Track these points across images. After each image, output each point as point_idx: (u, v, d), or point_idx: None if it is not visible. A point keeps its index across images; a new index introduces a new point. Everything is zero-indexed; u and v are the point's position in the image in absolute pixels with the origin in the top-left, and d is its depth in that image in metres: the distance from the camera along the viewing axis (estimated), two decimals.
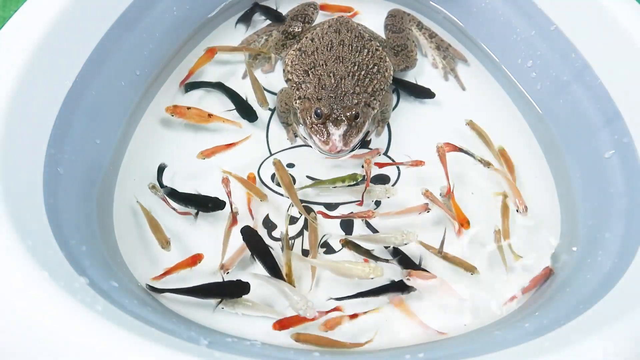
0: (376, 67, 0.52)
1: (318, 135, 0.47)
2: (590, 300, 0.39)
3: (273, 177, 0.53)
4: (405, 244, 0.48)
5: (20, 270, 0.35)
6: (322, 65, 0.51)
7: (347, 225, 0.51)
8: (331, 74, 0.50)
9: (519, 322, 0.43)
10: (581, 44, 0.52)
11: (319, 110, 0.47)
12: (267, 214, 0.52)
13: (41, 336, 0.33)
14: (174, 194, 0.51)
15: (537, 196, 0.53)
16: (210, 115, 0.54)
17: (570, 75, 0.53)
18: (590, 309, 0.38)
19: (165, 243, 0.48)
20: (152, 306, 0.43)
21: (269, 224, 0.51)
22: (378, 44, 0.56)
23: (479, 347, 0.40)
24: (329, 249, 0.50)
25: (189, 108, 0.54)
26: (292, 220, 0.51)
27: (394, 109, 0.58)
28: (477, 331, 0.45)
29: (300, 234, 0.51)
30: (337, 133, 0.46)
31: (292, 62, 0.54)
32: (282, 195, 0.52)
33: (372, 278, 0.46)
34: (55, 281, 0.35)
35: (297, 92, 0.52)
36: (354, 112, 0.47)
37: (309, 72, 0.51)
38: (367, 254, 0.48)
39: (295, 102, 0.52)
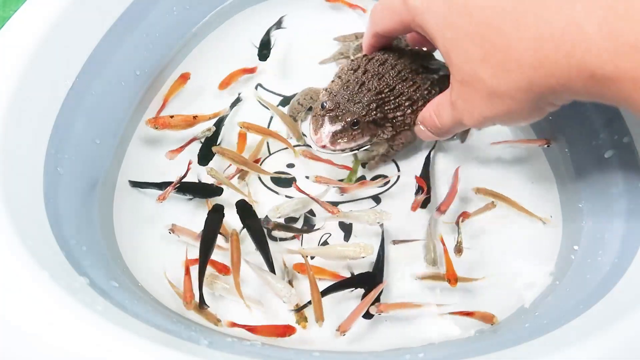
0: (409, 103, 0.49)
1: (314, 125, 0.48)
2: (590, 300, 0.39)
3: (274, 178, 0.53)
4: (379, 224, 0.49)
5: (20, 270, 0.35)
6: (362, 72, 0.49)
7: (346, 225, 0.51)
8: (361, 82, 0.48)
9: (519, 322, 0.43)
10: None
11: (325, 103, 0.47)
12: (267, 215, 0.52)
13: (41, 336, 0.33)
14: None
15: (537, 196, 0.53)
16: (195, 117, 0.53)
17: None
18: (590, 309, 0.38)
19: (216, 321, 0.45)
20: (152, 306, 0.43)
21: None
22: (437, 90, 0.51)
23: (479, 347, 0.40)
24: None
25: (172, 116, 0.52)
26: (292, 221, 0.51)
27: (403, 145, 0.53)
28: (477, 331, 0.45)
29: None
30: (328, 129, 0.46)
31: (347, 63, 0.54)
32: (283, 195, 0.52)
33: (364, 257, 0.46)
34: (55, 281, 0.35)
35: (327, 85, 0.52)
36: (354, 119, 0.46)
37: (347, 73, 0.51)
38: (298, 230, 0.50)
39: (322, 93, 0.52)
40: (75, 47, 0.48)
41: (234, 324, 0.43)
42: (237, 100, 0.58)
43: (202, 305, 0.44)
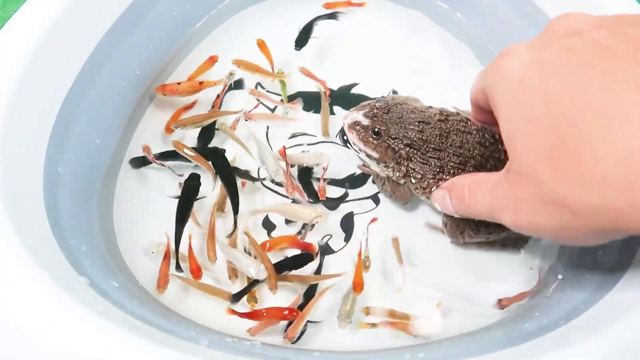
0: (436, 172, 0.45)
1: (358, 107, 0.49)
2: (590, 300, 0.39)
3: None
4: (317, 165, 0.52)
5: (20, 270, 0.35)
6: (440, 119, 0.46)
7: (347, 224, 0.51)
8: (426, 122, 0.46)
9: (519, 322, 0.43)
10: None
11: (379, 103, 0.47)
12: (267, 214, 0.52)
13: (41, 336, 0.33)
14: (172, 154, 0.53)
15: None
16: (201, 83, 0.55)
17: None
18: (590, 309, 0.38)
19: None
20: (152, 306, 0.43)
21: (268, 224, 0.51)
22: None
23: (479, 347, 0.40)
24: (329, 250, 0.50)
25: (179, 83, 0.55)
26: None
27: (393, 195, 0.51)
28: (478, 331, 0.45)
29: (299, 233, 0.51)
30: (358, 116, 0.47)
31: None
32: (282, 195, 0.52)
33: (316, 222, 0.48)
34: (55, 281, 0.35)
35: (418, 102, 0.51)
36: (380, 129, 0.46)
37: (436, 110, 0.48)
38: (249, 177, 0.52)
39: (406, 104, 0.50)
40: (75, 47, 0.48)
41: (237, 313, 0.44)
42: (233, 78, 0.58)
43: (177, 268, 0.47)
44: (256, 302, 0.46)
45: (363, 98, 0.58)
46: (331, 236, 0.51)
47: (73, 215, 0.44)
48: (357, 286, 0.46)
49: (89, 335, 0.33)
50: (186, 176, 0.52)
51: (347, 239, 0.51)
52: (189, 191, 0.50)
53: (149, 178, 0.53)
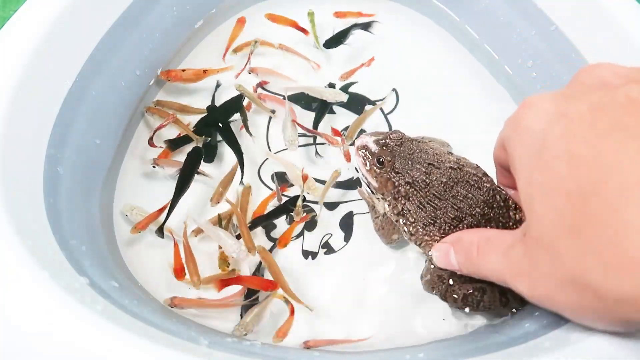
0: (428, 222, 0.43)
1: (375, 132, 0.49)
2: None
3: (273, 177, 0.53)
4: (336, 101, 0.56)
5: (20, 270, 0.35)
6: (453, 167, 0.43)
7: (346, 225, 0.52)
8: (436, 167, 0.43)
9: (519, 322, 0.43)
10: (581, 44, 0.52)
11: (394, 134, 0.46)
12: None
13: (41, 336, 0.33)
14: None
15: None
16: (205, 70, 0.57)
17: (570, 75, 0.52)
18: None
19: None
20: (152, 306, 0.43)
21: (268, 224, 0.51)
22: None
23: (479, 347, 0.40)
24: (329, 249, 0.50)
25: (183, 70, 0.56)
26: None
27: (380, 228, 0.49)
28: (477, 331, 0.45)
29: (300, 234, 0.51)
30: (369, 141, 0.46)
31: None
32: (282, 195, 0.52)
33: (308, 193, 0.51)
34: (55, 281, 0.35)
35: (441, 147, 0.48)
36: (385, 159, 0.44)
37: (454, 156, 0.45)
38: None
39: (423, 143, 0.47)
40: (75, 47, 0.48)
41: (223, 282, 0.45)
42: (217, 86, 0.59)
43: (158, 232, 0.48)
44: (228, 267, 0.47)
45: (363, 98, 0.58)
46: (331, 235, 0.51)
47: (73, 215, 0.44)
48: (282, 241, 0.49)
49: (89, 335, 0.33)
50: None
51: (347, 238, 0.51)
52: (192, 163, 0.51)
53: (149, 178, 0.53)
